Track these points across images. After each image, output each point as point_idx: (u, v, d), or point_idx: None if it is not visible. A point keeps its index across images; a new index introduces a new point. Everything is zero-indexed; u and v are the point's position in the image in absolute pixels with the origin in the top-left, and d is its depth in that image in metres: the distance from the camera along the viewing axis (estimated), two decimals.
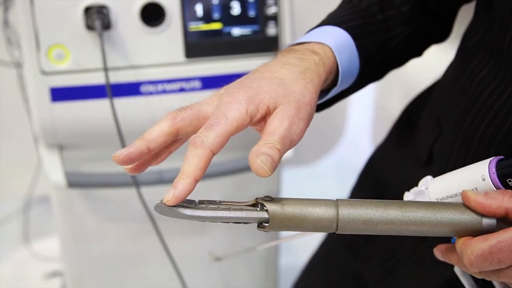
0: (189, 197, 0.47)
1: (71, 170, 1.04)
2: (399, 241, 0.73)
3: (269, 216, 0.47)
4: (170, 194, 0.46)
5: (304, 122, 0.51)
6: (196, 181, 0.46)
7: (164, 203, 0.47)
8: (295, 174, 1.88)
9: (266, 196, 0.48)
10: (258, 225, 0.48)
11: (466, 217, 0.48)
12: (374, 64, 0.66)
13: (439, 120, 0.68)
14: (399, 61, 0.72)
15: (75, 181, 1.04)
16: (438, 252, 0.54)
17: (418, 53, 0.73)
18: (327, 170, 2.16)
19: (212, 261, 0.91)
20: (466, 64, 0.62)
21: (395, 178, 0.76)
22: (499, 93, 0.57)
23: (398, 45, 0.68)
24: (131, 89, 1.00)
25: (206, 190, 1.15)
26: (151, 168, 1.09)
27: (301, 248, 1.78)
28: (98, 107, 0.99)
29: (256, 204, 0.48)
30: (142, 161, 0.52)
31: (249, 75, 0.54)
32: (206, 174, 1.21)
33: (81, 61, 0.97)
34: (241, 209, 0.47)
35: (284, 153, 0.48)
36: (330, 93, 0.60)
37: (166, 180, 1.06)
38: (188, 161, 0.46)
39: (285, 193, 1.26)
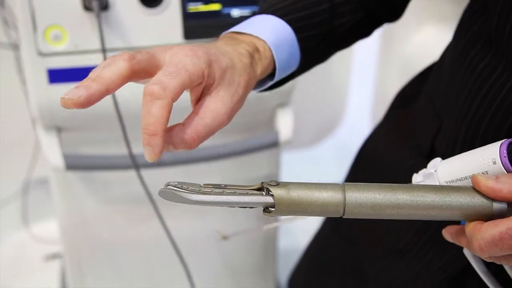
0: (192, 181, 0.47)
1: (69, 152, 1.04)
2: (398, 234, 0.72)
3: (274, 201, 0.47)
4: (150, 153, 0.44)
5: (229, 119, 0.50)
6: (164, 132, 0.45)
7: (169, 188, 0.46)
8: (294, 157, 1.87)
9: (272, 181, 0.48)
10: (263, 210, 0.48)
11: (476, 202, 0.47)
12: (317, 53, 0.64)
13: (439, 113, 0.66)
14: (346, 45, 0.70)
15: (74, 163, 1.04)
16: (447, 234, 0.54)
17: (367, 34, 0.72)
18: (327, 153, 2.15)
19: (220, 240, 0.91)
20: (465, 53, 0.61)
21: (393, 168, 0.75)
22: (500, 86, 0.55)
23: (345, 32, 0.66)
24: None
25: (205, 174, 1.15)
26: None
27: (300, 231, 1.78)
28: None
29: (262, 188, 0.48)
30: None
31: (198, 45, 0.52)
32: (205, 157, 1.20)
33: (79, 42, 0.96)
34: (246, 194, 0.47)
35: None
36: (266, 85, 0.59)
37: (165, 162, 1.06)
38: (151, 114, 0.44)
39: (284, 176, 1.26)
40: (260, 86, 0.60)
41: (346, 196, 0.47)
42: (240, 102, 0.52)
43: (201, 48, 0.49)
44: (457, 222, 0.53)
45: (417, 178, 0.56)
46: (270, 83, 0.59)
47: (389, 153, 0.77)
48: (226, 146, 1.09)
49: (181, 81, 0.46)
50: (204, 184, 0.47)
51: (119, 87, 0.47)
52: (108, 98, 0.93)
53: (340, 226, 0.87)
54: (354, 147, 0.89)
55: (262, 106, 1.10)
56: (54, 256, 1.62)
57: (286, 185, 0.47)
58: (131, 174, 1.02)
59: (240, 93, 0.51)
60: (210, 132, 0.48)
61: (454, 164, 0.52)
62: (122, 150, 1.00)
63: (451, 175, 0.52)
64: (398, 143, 0.76)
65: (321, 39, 0.64)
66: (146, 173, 1.03)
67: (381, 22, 0.72)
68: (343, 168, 0.92)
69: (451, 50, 0.67)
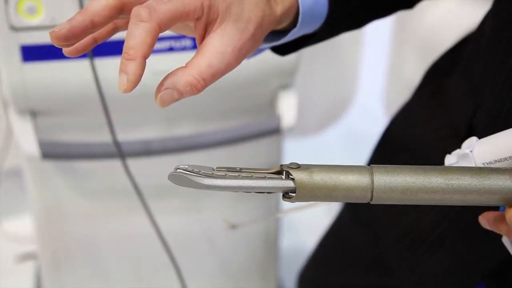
0: (205, 165, 0.47)
1: (45, 139, 1.03)
2: (429, 226, 0.72)
3: (295, 185, 0.47)
4: (123, 81, 0.44)
5: (237, 60, 0.50)
6: (145, 60, 0.45)
7: (179, 171, 0.46)
8: (298, 145, 1.89)
9: (292, 163, 0.48)
10: (283, 195, 0.48)
11: None
12: (349, 9, 0.62)
13: (477, 87, 0.65)
14: (384, 11, 0.67)
15: (51, 152, 1.03)
16: (485, 221, 0.53)
17: (409, 4, 0.69)
18: (334, 140, 2.18)
19: (228, 229, 0.92)
20: (508, 21, 0.60)
21: (424, 149, 0.74)
22: None
23: None
24: (114, 48, 0.98)
25: (202, 162, 1.15)
26: (137, 138, 1.09)
27: (303, 228, 1.82)
28: (76, 68, 0.97)
29: (281, 172, 0.48)
30: (84, 42, 0.51)
31: None
32: (198, 145, 1.20)
33: (56, 16, 0.95)
34: (264, 178, 0.47)
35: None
36: (289, 35, 0.57)
37: (154, 151, 1.06)
38: (134, 37, 0.44)
39: None
40: (281, 38, 0.58)
41: (374, 179, 0.47)
42: (251, 41, 0.51)
43: None
44: (495, 208, 0.53)
45: (451, 159, 0.56)
46: (293, 31, 0.57)
47: (419, 133, 0.77)
48: (222, 133, 1.09)
49: (173, 7, 0.46)
50: (217, 168, 0.47)
51: (107, 20, 0.48)
52: (88, 78, 0.92)
53: (361, 216, 0.88)
54: (364, 133, 0.89)
55: (263, 88, 1.10)
56: (28, 256, 1.62)
57: (308, 167, 0.47)
58: (116, 164, 1.02)
59: (251, 30, 0.50)
60: (216, 74, 0.48)
61: (492, 144, 0.52)
62: (105, 137, 1.00)
63: (489, 155, 0.51)
64: (430, 122, 0.76)
65: None
66: (132, 162, 1.02)
67: None
68: (352, 157, 0.92)
69: (491, 19, 0.66)
